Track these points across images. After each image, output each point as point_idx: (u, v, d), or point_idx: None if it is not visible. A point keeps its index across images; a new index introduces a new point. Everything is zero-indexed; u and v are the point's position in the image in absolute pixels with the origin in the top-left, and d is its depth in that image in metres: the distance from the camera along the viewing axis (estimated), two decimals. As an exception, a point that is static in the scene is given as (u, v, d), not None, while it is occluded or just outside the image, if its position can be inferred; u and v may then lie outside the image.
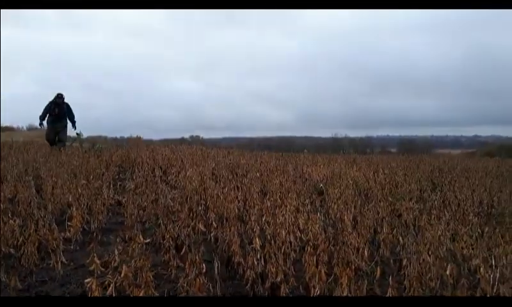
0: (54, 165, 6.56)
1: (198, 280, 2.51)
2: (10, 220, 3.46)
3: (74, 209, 3.91)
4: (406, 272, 2.82)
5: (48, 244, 3.29)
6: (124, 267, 2.42)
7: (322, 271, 2.68)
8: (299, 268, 3.01)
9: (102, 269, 2.55)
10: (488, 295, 2.55)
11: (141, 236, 3.03)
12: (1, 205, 3.90)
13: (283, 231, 3.40)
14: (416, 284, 2.65)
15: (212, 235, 3.72)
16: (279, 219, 3.72)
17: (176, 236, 3.44)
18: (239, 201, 4.55)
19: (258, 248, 2.98)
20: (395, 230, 3.76)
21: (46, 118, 10.03)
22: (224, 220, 3.83)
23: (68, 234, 3.67)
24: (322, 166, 8.36)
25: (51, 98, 10.09)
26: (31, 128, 26.63)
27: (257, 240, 3.08)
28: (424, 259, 2.89)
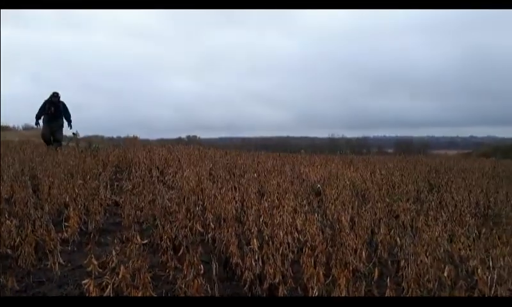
0: (50, 165, 6.53)
1: (196, 281, 2.51)
2: (7, 221, 3.44)
3: (71, 209, 3.90)
4: (404, 274, 2.83)
5: (46, 245, 3.27)
6: (122, 267, 2.41)
7: (320, 272, 2.68)
8: (297, 270, 3.00)
9: (100, 270, 2.53)
10: (486, 296, 2.56)
11: (138, 237, 3.02)
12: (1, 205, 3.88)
13: (281, 232, 3.40)
14: (414, 285, 2.65)
15: (209, 235, 3.71)
16: (277, 220, 3.72)
17: (173, 237, 3.43)
18: (236, 202, 4.55)
19: (256, 249, 2.98)
20: (392, 231, 3.77)
21: (42, 117, 9.99)
22: (222, 221, 3.82)
23: (66, 235, 3.65)
24: (319, 167, 8.38)
25: (47, 97, 10.06)
26: (27, 128, 26.49)
27: (255, 241, 3.08)
28: (421, 261, 2.90)
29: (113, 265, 2.58)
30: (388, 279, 2.52)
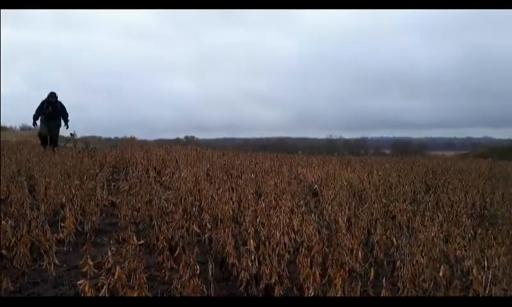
0: (47, 165, 6.52)
1: (192, 281, 2.51)
2: (2, 221, 3.43)
3: (67, 210, 3.89)
4: (400, 274, 2.84)
5: (41, 245, 3.27)
6: (117, 268, 2.41)
7: (317, 272, 2.68)
8: (293, 270, 3.01)
9: (95, 271, 2.53)
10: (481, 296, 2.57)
11: (134, 238, 3.02)
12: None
13: (278, 233, 3.40)
14: (410, 285, 2.66)
15: (206, 236, 3.71)
16: (273, 221, 3.72)
17: (170, 237, 3.43)
18: (233, 202, 4.55)
19: (253, 249, 2.98)
20: (388, 232, 3.78)
21: (39, 117, 9.97)
22: (219, 222, 3.82)
23: (61, 235, 3.65)
24: (316, 167, 8.39)
25: (45, 97, 10.03)
26: (24, 128, 26.42)
27: (251, 241, 3.09)
28: (417, 261, 2.91)
29: (109, 265, 2.58)
30: (384, 279, 2.53)
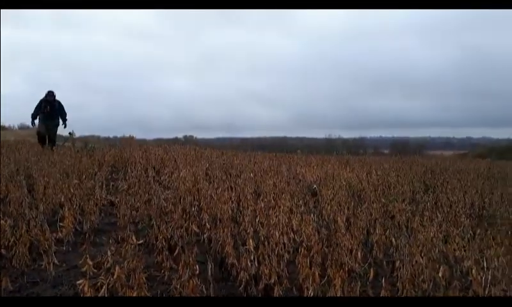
0: (45, 164, 6.50)
1: (191, 281, 2.50)
2: (1, 221, 3.42)
3: (66, 209, 3.88)
4: (399, 274, 2.84)
5: (40, 245, 3.26)
6: (117, 268, 2.41)
7: (316, 273, 2.68)
8: (292, 270, 3.01)
9: (95, 270, 2.53)
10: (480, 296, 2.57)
11: (133, 237, 3.01)
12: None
13: (277, 233, 3.40)
14: (409, 286, 2.66)
15: (205, 236, 3.71)
16: (272, 220, 3.72)
17: (169, 237, 3.42)
18: (232, 202, 4.54)
19: (252, 249, 2.98)
20: (388, 232, 3.78)
21: (38, 117, 9.94)
22: (218, 221, 3.82)
23: (60, 235, 3.64)
24: (315, 167, 8.39)
25: (42, 96, 10.01)
26: (22, 127, 26.38)
27: (251, 241, 3.08)
28: (416, 261, 2.91)
29: (108, 265, 2.57)
30: (383, 280, 2.53)
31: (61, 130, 10.37)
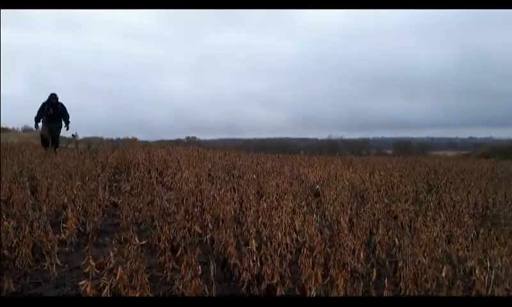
0: (49, 166, 6.53)
1: (194, 282, 2.50)
2: (5, 222, 3.43)
3: (69, 210, 3.90)
4: (402, 274, 2.83)
5: (43, 246, 3.27)
6: (119, 268, 2.41)
7: (319, 273, 2.67)
8: (295, 270, 3.00)
9: (97, 271, 2.53)
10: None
11: (136, 238, 3.02)
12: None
13: (279, 233, 3.40)
14: (412, 286, 2.65)
15: (208, 236, 3.71)
16: (275, 221, 3.72)
17: (172, 238, 3.43)
18: (235, 203, 4.55)
19: (254, 250, 2.98)
20: (390, 232, 3.77)
21: (41, 119, 9.98)
22: (221, 222, 3.82)
23: (63, 236, 3.65)
24: (318, 168, 8.38)
25: (46, 99, 10.04)
26: (26, 129, 26.49)
27: (253, 241, 3.08)
28: (419, 261, 2.90)
29: (111, 266, 2.58)
30: (386, 280, 2.52)
31: (64, 132, 10.43)
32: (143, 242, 3.40)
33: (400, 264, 2.96)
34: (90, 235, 3.70)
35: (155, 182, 5.77)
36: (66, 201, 4.43)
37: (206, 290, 2.58)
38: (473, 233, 3.86)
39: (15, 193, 4.57)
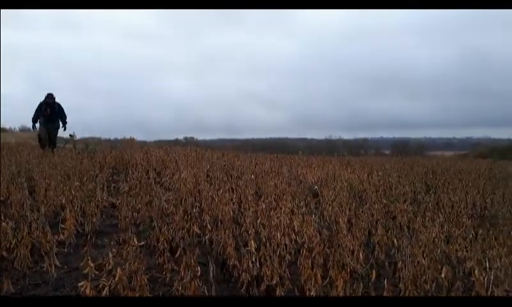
0: (47, 166, 6.51)
1: (193, 283, 2.50)
2: (3, 223, 3.42)
3: (68, 211, 3.88)
4: (401, 275, 2.83)
5: (42, 247, 3.26)
6: (118, 270, 2.40)
7: (318, 274, 2.67)
8: (294, 271, 3.00)
9: (96, 272, 2.52)
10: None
11: (135, 239, 3.01)
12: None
13: (278, 234, 3.40)
14: (411, 287, 2.65)
15: (206, 237, 3.71)
16: (274, 221, 3.72)
17: (170, 238, 3.42)
18: (233, 203, 4.54)
19: (253, 251, 2.98)
20: (389, 232, 3.78)
21: (38, 120, 9.95)
22: (219, 223, 3.82)
23: (62, 237, 3.64)
24: (316, 168, 8.38)
25: (43, 98, 10.01)
26: (23, 129, 26.43)
27: (252, 242, 3.08)
28: (418, 262, 2.90)
29: (110, 267, 2.57)
30: (385, 281, 2.52)
31: (62, 132, 10.40)
32: (142, 243, 3.39)
33: (399, 265, 2.97)
34: (89, 236, 3.69)
35: (153, 183, 5.76)
36: (64, 201, 4.42)
37: (205, 291, 2.57)
38: (472, 234, 3.87)
39: (12, 194, 4.55)
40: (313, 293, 2.61)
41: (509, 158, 17.51)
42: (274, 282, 2.73)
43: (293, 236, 3.60)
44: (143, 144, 15.79)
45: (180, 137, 36.70)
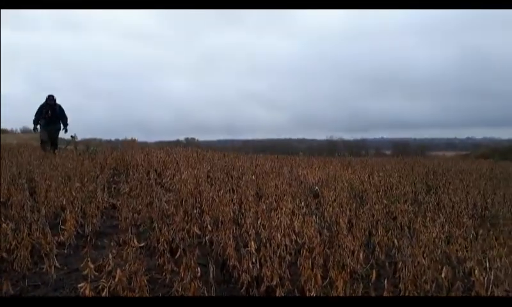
0: (47, 168, 6.51)
1: (193, 284, 2.50)
2: (3, 224, 3.42)
3: (68, 212, 3.88)
4: (401, 275, 2.83)
5: (42, 248, 3.26)
6: (118, 271, 2.40)
7: (318, 274, 2.67)
8: (294, 272, 3.00)
9: (96, 273, 2.52)
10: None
11: (135, 240, 3.01)
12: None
13: (279, 234, 3.39)
14: (412, 287, 2.65)
15: (207, 238, 3.70)
16: (274, 222, 3.71)
17: (171, 239, 3.42)
18: (234, 204, 4.54)
19: (254, 251, 2.97)
20: (390, 233, 3.77)
21: (39, 122, 9.95)
22: (220, 224, 3.81)
23: (62, 238, 3.64)
24: (317, 169, 8.37)
25: (43, 100, 10.01)
26: (25, 131, 26.48)
27: (252, 243, 3.07)
28: (419, 262, 2.90)
29: (110, 268, 2.57)
30: (386, 281, 2.52)
31: (63, 134, 10.39)
32: (142, 244, 3.39)
33: (399, 265, 2.96)
34: (89, 237, 3.69)
35: (154, 184, 5.75)
36: (64, 202, 4.42)
37: (205, 291, 2.57)
38: (473, 234, 3.86)
39: (13, 195, 4.56)
40: (313, 294, 2.60)
41: (510, 159, 17.48)
42: (274, 283, 2.72)
43: (293, 236, 3.60)
44: (144, 145, 15.80)
45: (181, 138, 36.74)
